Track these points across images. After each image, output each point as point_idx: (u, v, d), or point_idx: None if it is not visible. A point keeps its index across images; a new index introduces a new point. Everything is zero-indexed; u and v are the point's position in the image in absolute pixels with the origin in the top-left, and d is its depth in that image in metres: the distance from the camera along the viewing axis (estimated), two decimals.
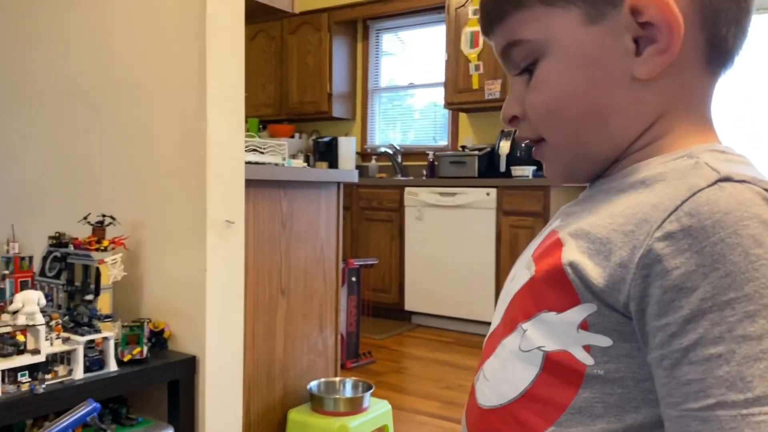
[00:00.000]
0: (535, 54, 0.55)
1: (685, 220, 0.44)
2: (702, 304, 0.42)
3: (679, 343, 0.43)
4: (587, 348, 0.48)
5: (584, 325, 0.48)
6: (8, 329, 1.49)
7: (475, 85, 4.17)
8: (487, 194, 3.75)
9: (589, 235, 0.50)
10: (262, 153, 2.20)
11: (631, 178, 0.53)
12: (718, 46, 0.54)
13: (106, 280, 1.80)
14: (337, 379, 2.36)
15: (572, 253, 0.49)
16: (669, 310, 0.44)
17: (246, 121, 3.89)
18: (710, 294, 0.42)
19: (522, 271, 0.57)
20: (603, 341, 0.47)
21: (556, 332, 0.50)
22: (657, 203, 0.47)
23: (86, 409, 1.04)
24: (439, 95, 4.64)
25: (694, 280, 0.43)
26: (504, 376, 0.54)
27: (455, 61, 4.26)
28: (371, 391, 2.25)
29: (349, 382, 2.35)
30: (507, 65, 0.59)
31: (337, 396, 2.26)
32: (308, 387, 2.24)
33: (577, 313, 0.48)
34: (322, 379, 2.31)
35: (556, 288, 0.50)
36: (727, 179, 0.45)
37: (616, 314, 0.47)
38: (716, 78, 0.56)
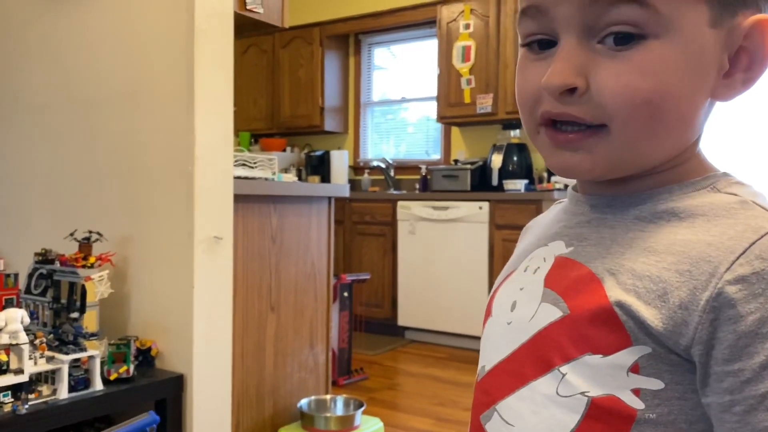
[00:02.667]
0: (650, 28, 0.46)
1: (757, 264, 0.43)
2: None
3: (755, 389, 0.42)
4: (637, 392, 0.46)
5: (635, 368, 0.46)
6: None
7: (467, 99, 4.18)
8: (480, 208, 3.75)
9: (633, 272, 0.47)
10: (252, 167, 2.18)
11: (653, 206, 0.51)
12: None
13: (92, 298, 1.77)
14: (329, 396, 2.33)
15: (618, 292, 0.47)
16: (743, 355, 0.42)
17: (237, 135, 3.87)
18: None
19: (532, 303, 0.52)
20: (655, 384, 0.45)
21: (602, 376, 0.46)
22: (713, 242, 0.45)
23: (146, 420, 1.01)
24: (431, 109, 4.65)
25: None
26: (536, 422, 0.50)
27: (447, 75, 4.27)
28: (363, 408, 2.22)
29: (340, 400, 2.31)
30: (579, 18, 0.48)
31: (329, 414, 2.23)
32: (299, 405, 2.20)
33: (628, 356, 0.46)
34: (313, 397, 2.28)
35: (603, 329, 0.47)
36: None
37: (672, 356, 0.45)
38: None
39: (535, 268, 0.55)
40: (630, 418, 0.46)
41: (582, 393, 0.47)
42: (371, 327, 4.10)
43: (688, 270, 0.45)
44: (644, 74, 0.47)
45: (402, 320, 4.06)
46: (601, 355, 0.46)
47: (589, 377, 0.47)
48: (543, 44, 0.51)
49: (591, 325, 0.47)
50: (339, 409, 2.29)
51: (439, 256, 3.90)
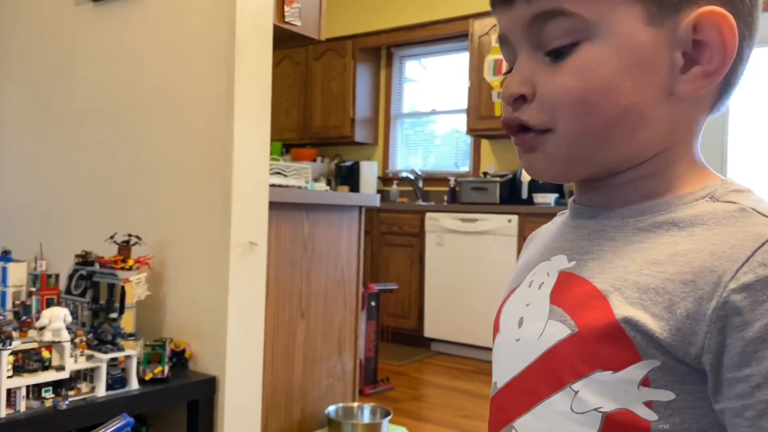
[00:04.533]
0: (580, 35, 0.50)
1: (760, 271, 0.44)
2: None
3: (766, 394, 0.43)
4: (649, 404, 0.47)
5: (646, 382, 0.47)
6: (34, 345, 1.51)
7: (498, 113, 4.18)
8: (509, 221, 3.74)
9: (637, 285, 0.48)
10: (286, 176, 2.22)
11: (652, 217, 0.52)
12: (731, 85, 0.54)
13: (130, 299, 1.82)
14: (356, 404, 2.35)
15: (624, 308, 0.47)
16: (752, 361, 0.43)
17: (269, 145, 3.91)
18: None
19: (540, 320, 0.53)
20: (666, 396, 0.46)
21: (614, 391, 0.47)
22: (716, 252, 0.46)
23: (120, 423, 1.04)
24: (461, 122, 4.66)
25: None
26: None
27: (478, 88, 4.28)
28: (389, 417, 2.23)
29: (367, 408, 2.33)
30: (525, 38, 0.52)
31: (355, 421, 2.25)
32: (326, 411, 2.22)
33: (637, 370, 0.47)
34: (341, 404, 2.30)
35: (612, 346, 0.47)
36: None
37: (681, 366, 0.46)
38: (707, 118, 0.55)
39: (539, 284, 0.56)
40: (645, 431, 0.47)
41: (596, 409, 0.48)
42: (397, 337, 4.11)
43: (692, 280, 0.46)
44: (577, 75, 0.50)
45: (428, 332, 4.06)
46: (611, 371, 0.47)
47: (601, 393, 0.48)
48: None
49: (599, 342, 0.48)
50: (366, 417, 2.30)
51: (466, 269, 3.90)
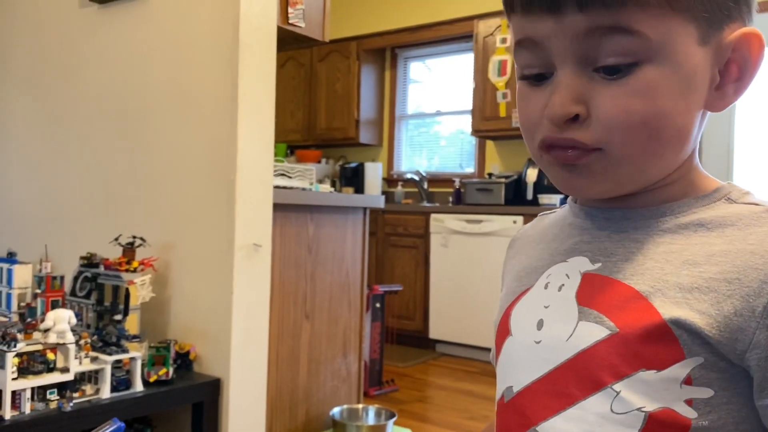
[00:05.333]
0: (642, 55, 0.48)
1: None
2: None
3: None
4: (689, 402, 0.48)
5: (688, 380, 0.48)
6: (39, 347, 1.51)
7: (503, 113, 4.18)
8: (514, 222, 3.73)
9: (680, 286, 0.49)
10: (290, 177, 2.22)
11: (674, 219, 0.53)
12: None
13: (134, 301, 1.82)
14: (360, 406, 2.34)
15: (670, 308, 0.48)
16: None
17: (274, 146, 3.91)
18: None
19: (568, 321, 0.52)
20: (705, 393, 0.48)
21: (657, 390, 0.48)
22: (756, 251, 0.48)
23: (111, 428, 1.05)
24: (465, 122, 4.66)
25: None
26: None
27: (482, 89, 4.28)
28: (394, 419, 2.23)
29: (372, 410, 2.32)
30: (573, 50, 0.50)
31: (360, 423, 2.24)
32: (331, 413, 2.22)
33: (681, 369, 0.48)
34: (345, 406, 2.29)
35: (657, 345, 0.48)
36: None
37: (722, 363, 0.48)
38: None
39: (558, 285, 0.55)
40: (685, 428, 0.48)
41: (638, 409, 0.48)
42: (402, 339, 4.10)
43: (737, 278, 0.47)
44: (640, 97, 0.49)
45: (433, 333, 4.05)
46: (655, 371, 0.48)
47: (644, 393, 0.48)
48: (539, 77, 0.53)
49: (643, 342, 0.48)
50: (371, 419, 2.30)
51: (471, 270, 3.89)
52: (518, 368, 0.56)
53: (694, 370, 0.47)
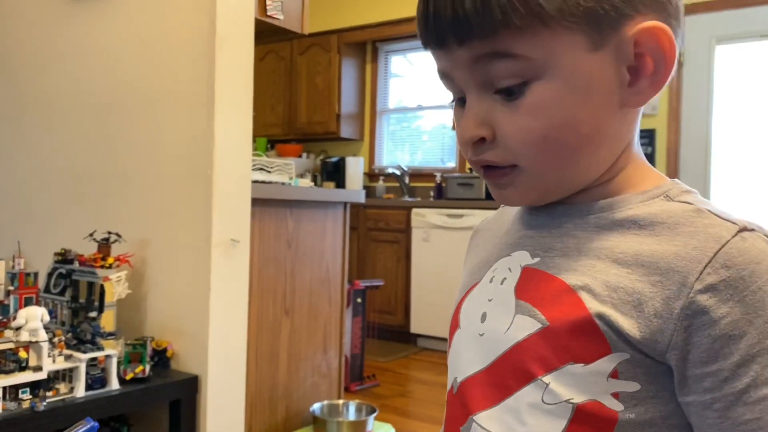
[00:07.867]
0: (529, 74, 0.50)
1: (723, 272, 0.47)
2: (751, 349, 0.46)
3: (733, 387, 0.46)
4: (616, 395, 0.49)
5: (614, 374, 0.49)
6: (11, 345, 1.48)
7: None
8: None
9: (607, 284, 0.50)
10: (269, 172, 2.20)
11: (612, 214, 0.53)
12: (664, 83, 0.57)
13: (110, 298, 1.79)
14: (341, 401, 2.34)
15: (596, 304, 0.50)
16: (719, 356, 0.46)
17: (254, 141, 3.89)
18: (757, 339, 0.46)
19: (506, 314, 0.54)
20: (632, 387, 0.49)
21: (584, 383, 0.50)
22: (680, 253, 0.48)
23: (84, 428, 1.02)
24: (447, 117, 4.66)
25: (741, 327, 0.46)
26: (524, 430, 0.52)
27: None
28: (375, 414, 2.22)
29: (352, 405, 2.32)
30: (470, 78, 0.52)
31: (341, 419, 2.23)
32: (311, 409, 2.21)
33: (608, 363, 0.49)
34: (326, 402, 2.28)
35: (584, 339, 0.49)
36: (744, 230, 0.48)
37: (647, 360, 0.49)
38: None
39: (501, 279, 0.57)
40: (612, 420, 0.49)
41: (567, 400, 0.50)
42: (383, 334, 4.10)
43: (659, 281, 0.48)
44: (533, 115, 0.51)
45: (415, 328, 4.05)
46: (582, 364, 0.49)
47: (572, 385, 0.50)
48: (462, 101, 0.56)
49: (571, 335, 0.50)
50: (351, 415, 2.29)
51: (452, 264, 3.90)
52: (464, 360, 0.58)
53: (620, 365, 0.49)
